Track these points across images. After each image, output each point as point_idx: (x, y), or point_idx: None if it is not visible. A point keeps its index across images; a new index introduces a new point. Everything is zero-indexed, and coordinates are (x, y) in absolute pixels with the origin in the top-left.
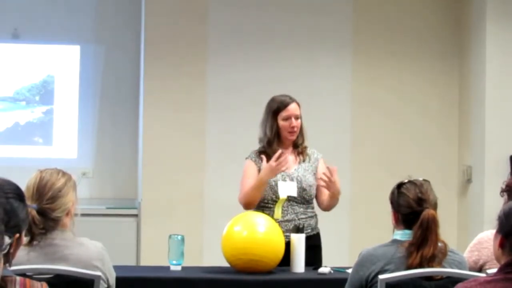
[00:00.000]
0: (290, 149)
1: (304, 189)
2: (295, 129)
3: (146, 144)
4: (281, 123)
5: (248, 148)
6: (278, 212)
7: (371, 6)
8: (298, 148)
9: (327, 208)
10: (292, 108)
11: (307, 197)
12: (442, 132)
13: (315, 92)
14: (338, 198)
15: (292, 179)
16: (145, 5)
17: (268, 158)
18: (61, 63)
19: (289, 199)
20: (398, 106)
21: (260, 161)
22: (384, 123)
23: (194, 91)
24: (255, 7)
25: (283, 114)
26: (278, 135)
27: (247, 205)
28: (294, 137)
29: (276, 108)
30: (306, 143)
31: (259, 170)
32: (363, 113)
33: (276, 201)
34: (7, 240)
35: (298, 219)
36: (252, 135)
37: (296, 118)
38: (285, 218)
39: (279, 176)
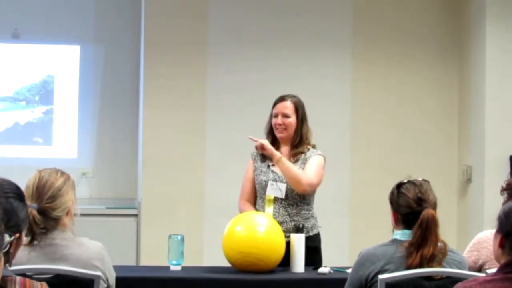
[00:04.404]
0: (287, 148)
1: (293, 190)
2: (282, 126)
3: (146, 144)
4: (272, 120)
5: (248, 148)
6: (268, 212)
7: (370, 6)
8: (297, 149)
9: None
10: (280, 106)
11: (298, 198)
12: (442, 132)
13: (315, 92)
14: (294, 173)
15: (281, 180)
16: (145, 5)
17: (264, 156)
18: (61, 63)
19: (281, 200)
20: (398, 106)
21: (258, 159)
22: (384, 123)
23: (194, 91)
24: (255, 7)
25: (273, 111)
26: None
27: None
28: (281, 135)
29: (272, 105)
30: (311, 144)
31: (255, 169)
32: (363, 113)
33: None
34: (7, 238)
35: (291, 221)
36: (252, 134)
37: (284, 116)
38: (277, 220)
39: (271, 175)
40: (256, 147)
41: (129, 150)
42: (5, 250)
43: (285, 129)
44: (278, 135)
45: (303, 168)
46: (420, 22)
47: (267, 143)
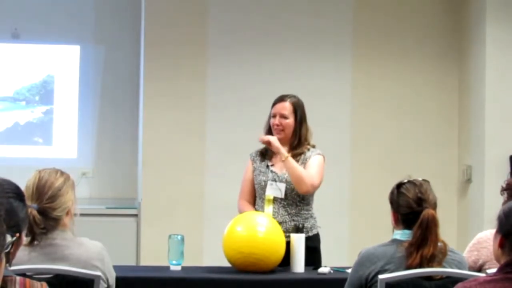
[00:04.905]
0: (286, 149)
1: (293, 190)
2: (280, 127)
3: (146, 144)
4: (270, 120)
5: (248, 148)
6: (267, 212)
7: (370, 7)
8: (295, 149)
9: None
10: (278, 106)
11: (297, 198)
12: (442, 132)
13: (315, 92)
14: (298, 173)
15: (281, 180)
16: (145, 5)
17: (263, 156)
18: (61, 63)
19: (280, 200)
20: (398, 106)
21: (257, 160)
22: (384, 123)
23: (194, 91)
24: (255, 7)
25: (271, 111)
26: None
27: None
28: (279, 136)
29: (271, 105)
30: (311, 144)
31: (254, 169)
32: (363, 114)
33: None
34: (9, 238)
35: (291, 221)
36: (252, 135)
37: (282, 116)
38: (276, 220)
39: (270, 175)
40: (263, 141)
41: (129, 150)
42: (7, 250)
43: (282, 130)
44: (276, 135)
45: (304, 165)
46: (420, 23)
47: (274, 140)
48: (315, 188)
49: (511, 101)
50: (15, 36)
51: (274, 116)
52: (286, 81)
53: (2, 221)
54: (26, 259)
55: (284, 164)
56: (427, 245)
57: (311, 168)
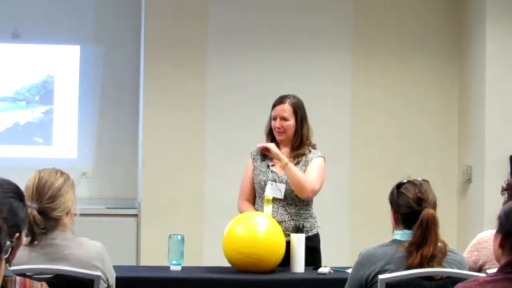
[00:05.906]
0: (288, 149)
1: (293, 191)
2: (281, 129)
3: (146, 144)
4: (271, 122)
5: (248, 148)
6: (267, 212)
7: (371, 6)
8: (297, 150)
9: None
10: (278, 109)
11: (297, 198)
12: (442, 132)
13: (315, 92)
14: (298, 179)
15: (281, 181)
16: (145, 5)
17: (264, 156)
18: (61, 63)
19: (280, 200)
20: (398, 106)
21: (258, 159)
22: (384, 123)
23: (194, 91)
24: (255, 7)
25: (272, 113)
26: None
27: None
28: (281, 137)
29: (272, 107)
30: (312, 143)
31: (255, 168)
32: (363, 114)
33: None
34: (8, 242)
35: (290, 220)
36: (252, 135)
37: (282, 119)
38: (276, 219)
39: (270, 175)
40: (261, 149)
41: (129, 150)
42: (7, 255)
43: (283, 132)
44: (278, 137)
45: (304, 171)
46: (420, 22)
47: (273, 147)
48: (316, 193)
49: (511, 101)
50: (15, 36)
51: (275, 118)
52: (286, 81)
53: (3, 221)
54: (26, 259)
55: (284, 170)
56: (427, 245)
57: (312, 173)
